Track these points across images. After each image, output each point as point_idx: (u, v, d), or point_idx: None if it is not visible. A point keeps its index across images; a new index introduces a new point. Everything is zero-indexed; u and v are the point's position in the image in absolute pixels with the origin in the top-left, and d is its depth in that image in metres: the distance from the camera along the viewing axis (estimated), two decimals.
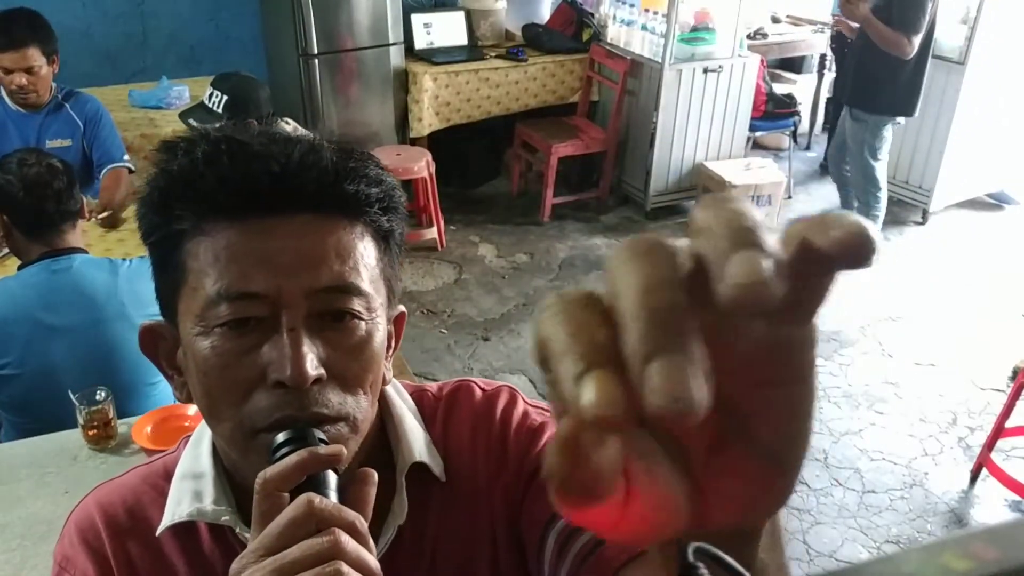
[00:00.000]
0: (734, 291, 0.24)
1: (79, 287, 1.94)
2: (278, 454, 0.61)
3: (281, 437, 0.62)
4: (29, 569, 1.47)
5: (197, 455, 0.75)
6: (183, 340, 0.67)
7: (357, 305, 0.66)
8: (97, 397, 1.75)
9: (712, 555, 0.27)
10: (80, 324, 1.92)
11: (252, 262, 0.64)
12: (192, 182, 0.65)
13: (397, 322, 0.75)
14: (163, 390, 2.00)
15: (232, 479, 0.74)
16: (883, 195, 4.22)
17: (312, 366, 0.62)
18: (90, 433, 1.75)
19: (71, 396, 1.74)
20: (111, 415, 1.76)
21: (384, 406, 0.78)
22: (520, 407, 0.80)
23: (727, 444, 0.29)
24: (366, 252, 0.67)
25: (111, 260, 2.06)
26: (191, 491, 0.73)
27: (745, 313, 0.25)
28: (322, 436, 0.63)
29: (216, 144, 0.65)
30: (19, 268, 2.02)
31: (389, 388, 0.79)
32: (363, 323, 0.66)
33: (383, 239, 0.70)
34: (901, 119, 4.06)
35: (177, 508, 0.72)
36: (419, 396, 0.82)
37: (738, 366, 0.27)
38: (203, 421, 0.73)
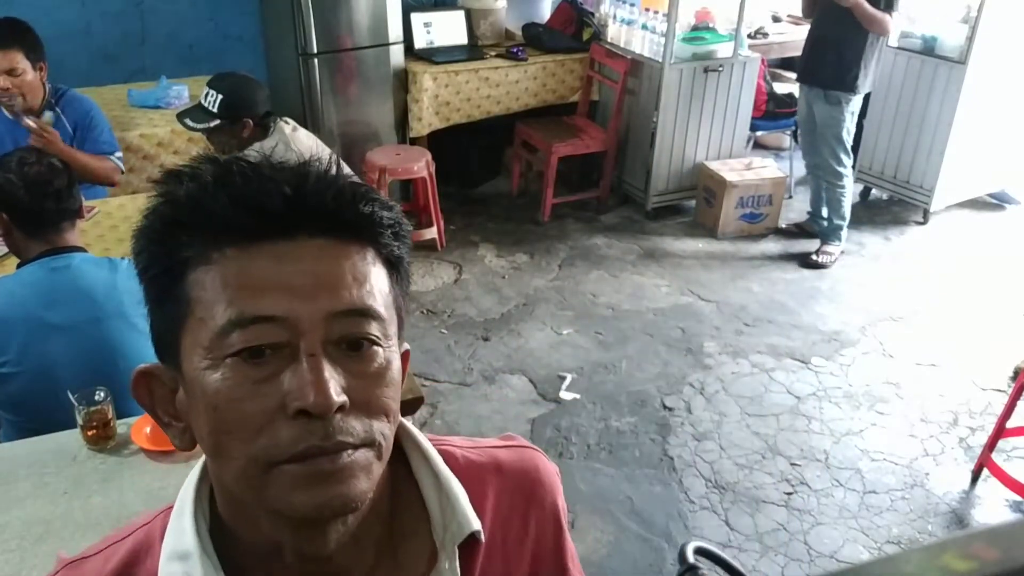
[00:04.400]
0: None
1: (78, 285, 1.94)
2: None
3: None
4: (28, 569, 1.46)
5: (181, 530, 0.68)
6: (187, 378, 0.64)
7: (375, 330, 0.63)
8: (96, 397, 1.75)
9: (712, 555, 0.26)
10: (79, 322, 1.91)
11: (267, 286, 0.61)
12: (202, 205, 0.62)
13: (403, 358, 0.72)
14: None
15: (225, 553, 0.68)
16: (849, 172, 4.35)
17: (336, 392, 0.60)
18: (89, 433, 1.75)
19: (70, 396, 1.74)
20: (110, 415, 1.76)
21: (420, 463, 0.75)
22: (551, 477, 0.82)
23: None
24: (379, 278, 0.65)
25: (111, 259, 2.06)
26: (181, 574, 0.67)
27: None
28: None
29: (226, 166, 0.63)
30: (18, 267, 2.02)
31: (425, 443, 0.76)
32: (381, 349, 0.64)
33: (393, 267, 0.68)
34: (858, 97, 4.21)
35: None
36: (442, 451, 0.79)
37: None
38: (183, 490, 0.70)
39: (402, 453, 0.75)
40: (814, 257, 4.40)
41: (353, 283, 0.63)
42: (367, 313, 0.63)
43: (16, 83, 2.80)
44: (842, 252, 4.45)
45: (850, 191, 4.39)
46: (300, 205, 0.62)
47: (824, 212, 4.48)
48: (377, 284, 0.65)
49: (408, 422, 0.76)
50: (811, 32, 4.27)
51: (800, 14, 5.05)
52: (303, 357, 0.60)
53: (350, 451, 0.61)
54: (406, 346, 0.72)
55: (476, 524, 0.72)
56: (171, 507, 0.71)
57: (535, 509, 0.79)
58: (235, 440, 0.61)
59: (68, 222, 2.02)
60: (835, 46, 4.04)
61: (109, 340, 1.93)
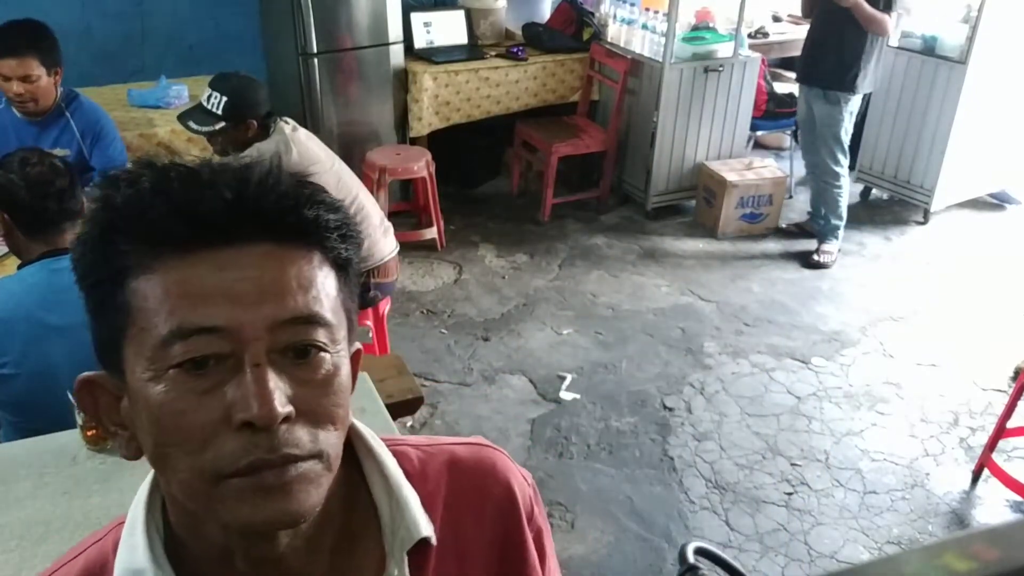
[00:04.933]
0: None
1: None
2: None
3: None
4: (27, 570, 1.46)
5: (133, 547, 0.67)
6: (130, 388, 0.62)
7: (322, 337, 0.62)
8: None
9: (712, 555, 0.26)
10: (80, 324, 1.86)
11: (208, 295, 0.59)
12: (139, 213, 0.59)
13: (354, 359, 0.70)
14: None
15: (179, 564, 0.67)
16: (846, 171, 4.37)
17: (281, 403, 0.58)
18: (89, 433, 1.74)
19: (70, 397, 1.74)
20: None
21: (372, 467, 0.74)
22: (510, 470, 0.80)
23: None
24: (326, 282, 0.64)
25: None
26: None
27: None
28: None
29: (164, 172, 0.61)
30: (19, 267, 2.02)
31: (377, 447, 0.74)
32: (328, 356, 0.63)
33: (342, 269, 0.66)
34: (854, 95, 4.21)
35: None
36: (397, 452, 0.78)
37: None
38: (134, 503, 0.69)
39: (355, 456, 0.74)
40: (815, 257, 4.41)
41: (298, 289, 0.61)
42: (313, 320, 0.62)
43: (30, 89, 2.77)
44: (839, 251, 4.45)
45: (847, 190, 4.41)
46: (241, 210, 0.60)
47: (823, 211, 4.49)
48: (324, 289, 0.63)
49: (359, 423, 0.74)
50: (810, 32, 4.27)
51: (800, 14, 5.06)
52: (247, 367, 0.59)
53: (297, 464, 0.60)
54: (357, 345, 0.71)
55: (426, 530, 0.71)
56: (122, 522, 0.70)
57: (488, 503, 0.77)
58: (180, 453, 0.60)
59: (69, 223, 2.01)
60: (834, 46, 4.05)
61: None
